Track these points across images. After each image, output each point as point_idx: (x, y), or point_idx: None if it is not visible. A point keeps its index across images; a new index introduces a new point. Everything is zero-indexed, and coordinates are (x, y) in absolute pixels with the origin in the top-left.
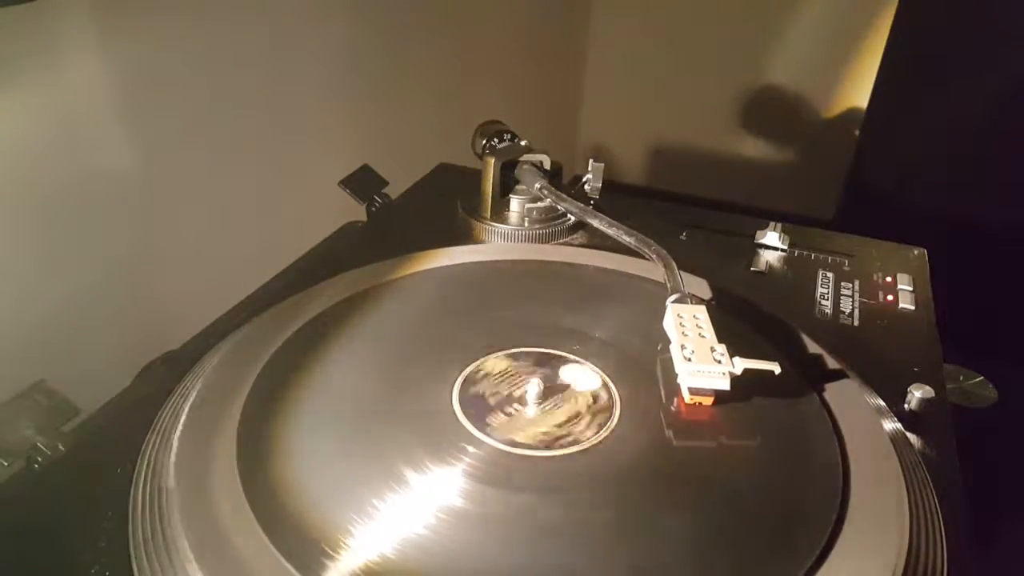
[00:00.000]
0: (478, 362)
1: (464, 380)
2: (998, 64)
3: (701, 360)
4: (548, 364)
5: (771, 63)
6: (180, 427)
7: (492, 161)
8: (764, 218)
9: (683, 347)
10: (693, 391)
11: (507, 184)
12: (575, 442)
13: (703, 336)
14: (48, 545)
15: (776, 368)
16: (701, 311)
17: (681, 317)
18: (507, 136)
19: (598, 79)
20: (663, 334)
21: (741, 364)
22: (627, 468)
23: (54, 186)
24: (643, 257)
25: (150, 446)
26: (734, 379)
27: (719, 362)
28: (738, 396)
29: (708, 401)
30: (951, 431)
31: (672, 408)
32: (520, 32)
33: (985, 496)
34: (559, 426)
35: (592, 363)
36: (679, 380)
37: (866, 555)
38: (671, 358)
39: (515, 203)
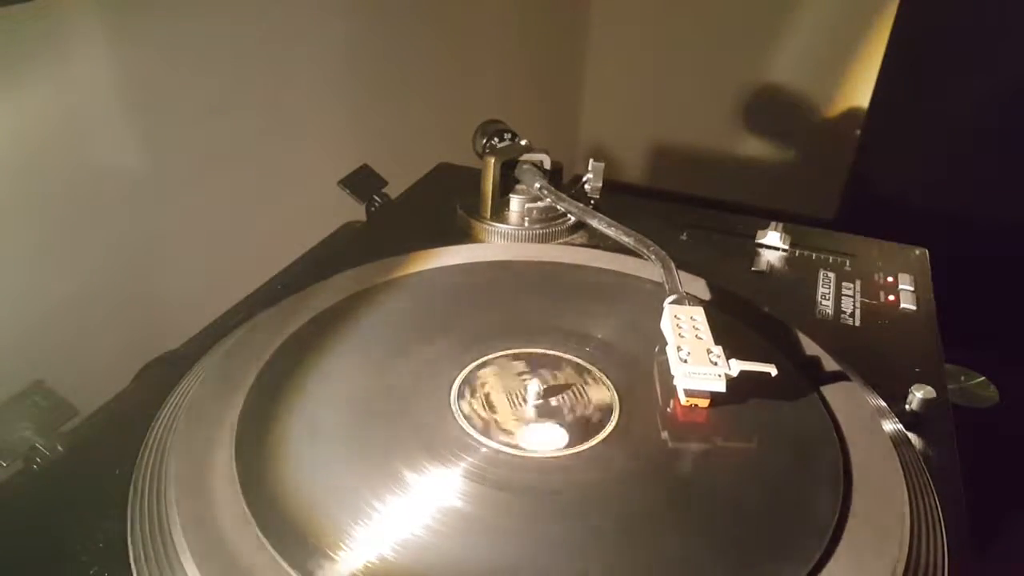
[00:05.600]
0: (477, 362)
1: (463, 380)
2: (998, 64)
3: (697, 362)
4: (547, 364)
5: (771, 63)
6: (179, 427)
7: (492, 161)
8: (765, 218)
9: (679, 349)
10: (689, 393)
11: (507, 184)
12: (575, 443)
13: (700, 338)
14: (48, 545)
15: (772, 370)
16: (698, 312)
17: (678, 319)
18: (507, 135)
19: (598, 79)
20: (661, 335)
21: (737, 366)
22: (626, 469)
23: (54, 185)
24: (642, 257)
25: (149, 446)
26: (735, 380)
27: (715, 364)
28: (739, 397)
29: (704, 403)
30: (952, 431)
31: (669, 410)
32: (520, 32)
33: (985, 496)
34: (558, 426)
35: (591, 363)
36: (675, 382)
37: (867, 555)
38: (668, 360)
39: (515, 203)
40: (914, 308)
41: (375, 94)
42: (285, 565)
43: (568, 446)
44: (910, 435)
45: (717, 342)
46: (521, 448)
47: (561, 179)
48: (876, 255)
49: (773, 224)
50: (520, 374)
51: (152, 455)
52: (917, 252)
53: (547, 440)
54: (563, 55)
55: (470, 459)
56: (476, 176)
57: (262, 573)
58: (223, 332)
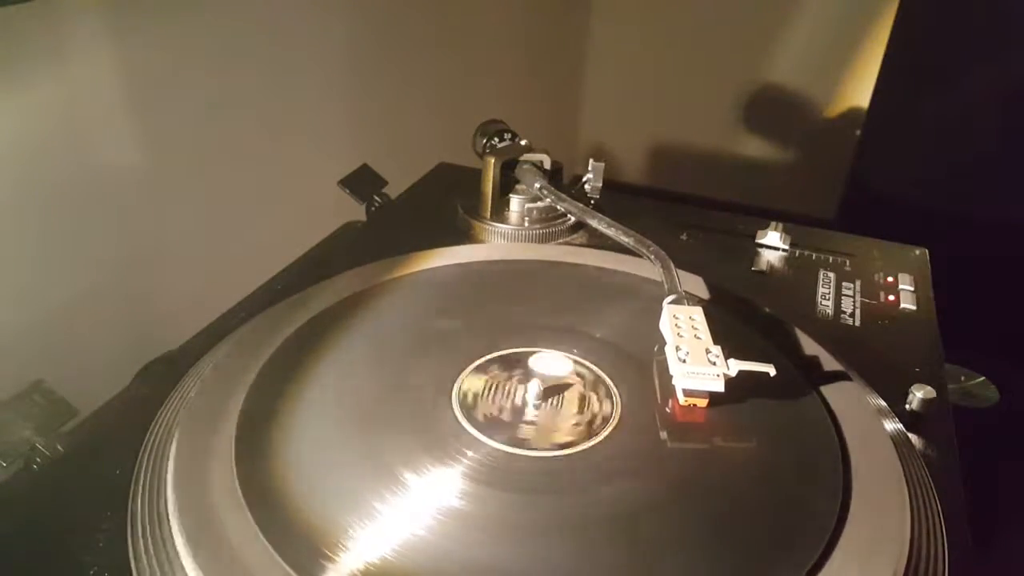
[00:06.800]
0: (477, 362)
1: (463, 380)
2: (998, 64)
3: (696, 362)
4: (547, 364)
5: (771, 63)
6: (179, 428)
7: (492, 161)
8: (765, 218)
9: (678, 348)
10: (688, 392)
11: (507, 184)
12: (575, 443)
13: (699, 338)
14: (47, 545)
15: (771, 370)
16: (697, 312)
17: (677, 318)
18: (507, 135)
19: (598, 79)
20: (661, 335)
21: (736, 366)
22: (627, 469)
23: (53, 185)
24: (642, 257)
25: (149, 446)
26: (735, 380)
27: (714, 364)
28: (740, 397)
29: (703, 403)
30: (952, 431)
31: (668, 410)
32: (520, 32)
33: (985, 496)
34: (558, 426)
35: (591, 363)
36: (674, 382)
37: (867, 555)
38: (667, 359)
39: (515, 203)
40: (914, 308)
41: (375, 94)
42: (285, 565)
43: (568, 446)
44: (910, 435)
45: (716, 342)
46: (521, 448)
47: (561, 179)
48: (876, 255)
49: (773, 224)
50: (520, 374)
51: (152, 455)
52: (917, 252)
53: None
54: (563, 55)
55: (470, 459)
56: (476, 176)
57: (262, 573)
58: (223, 332)
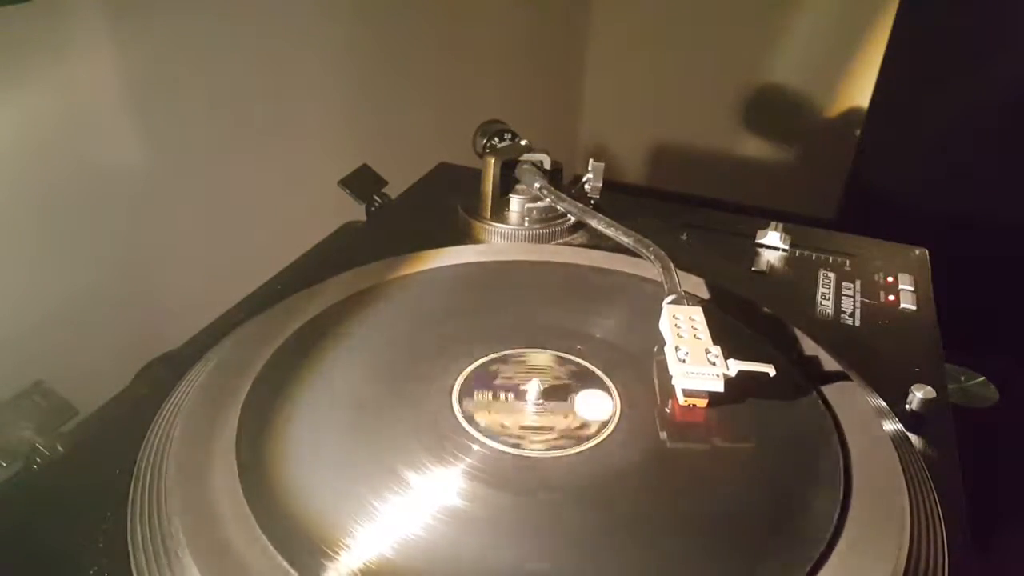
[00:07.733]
0: (478, 362)
1: (464, 380)
2: (998, 64)
3: (695, 362)
4: (547, 364)
5: (771, 63)
6: (179, 427)
7: (492, 161)
8: (765, 218)
9: (678, 349)
10: (687, 393)
11: (507, 184)
12: (575, 443)
13: (698, 338)
14: (47, 546)
15: (771, 370)
16: (697, 312)
17: (677, 318)
18: (507, 135)
19: (598, 79)
20: (661, 335)
21: (735, 366)
22: (627, 469)
23: (53, 185)
24: (642, 257)
25: (150, 446)
26: (735, 379)
27: (713, 364)
28: (739, 397)
29: (702, 403)
30: (952, 431)
31: (667, 410)
32: (520, 32)
33: (985, 496)
34: (558, 426)
35: (591, 363)
36: (673, 382)
37: (866, 555)
38: (667, 359)
39: (515, 203)
40: (914, 308)
41: (375, 94)
42: (285, 564)
43: (568, 446)
44: (910, 435)
45: (716, 342)
46: (521, 447)
47: (561, 179)
48: (876, 255)
49: (773, 224)
50: (520, 374)
51: (152, 455)
52: (917, 252)
53: (597, 407)
54: (563, 55)
55: (471, 459)
56: (476, 176)
57: (262, 572)
58: (223, 332)
